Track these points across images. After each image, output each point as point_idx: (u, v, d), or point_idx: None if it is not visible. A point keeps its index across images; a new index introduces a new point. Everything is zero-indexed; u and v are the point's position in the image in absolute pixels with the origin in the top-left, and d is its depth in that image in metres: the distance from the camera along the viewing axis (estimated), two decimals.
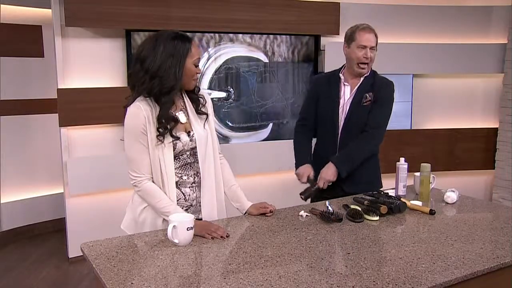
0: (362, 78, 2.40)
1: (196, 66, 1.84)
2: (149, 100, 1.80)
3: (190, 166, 1.91)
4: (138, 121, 1.77)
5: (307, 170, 2.38)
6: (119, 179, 3.50)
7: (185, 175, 1.89)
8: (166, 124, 1.79)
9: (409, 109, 4.39)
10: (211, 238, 1.73)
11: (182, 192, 1.90)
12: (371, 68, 2.43)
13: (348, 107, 2.40)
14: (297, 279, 1.42)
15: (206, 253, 1.64)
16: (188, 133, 1.88)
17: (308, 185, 2.36)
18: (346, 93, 2.43)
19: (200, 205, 1.94)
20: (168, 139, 1.81)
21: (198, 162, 1.90)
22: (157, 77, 1.75)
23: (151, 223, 1.88)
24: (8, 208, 4.06)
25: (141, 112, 1.77)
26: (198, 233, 1.74)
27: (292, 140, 2.61)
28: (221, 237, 1.74)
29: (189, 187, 1.91)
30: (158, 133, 1.78)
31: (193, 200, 1.93)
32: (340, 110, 2.42)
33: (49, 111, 4.00)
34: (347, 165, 2.33)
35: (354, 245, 1.70)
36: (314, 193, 2.33)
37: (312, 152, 2.57)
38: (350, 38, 2.37)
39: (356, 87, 2.40)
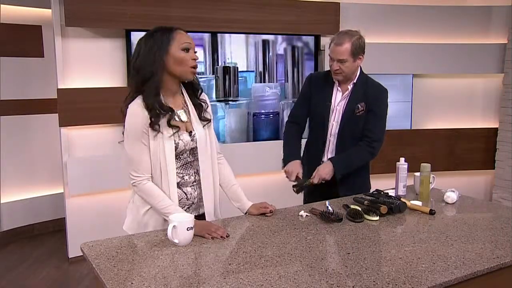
0: (351, 85, 2.40)
1: (187, 51, 1.78)
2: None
3: (191, 165, 1.91)
4: (138, 119, 1.76)
5: (296, 168, 2.36)
6: (119, 179, 3.50)
7: (186, 175, 1.89)
8: (156, 112, 1.76)
9: (409, 109, 4.39)
10: (211, 238, 1.73)
11: (184, 191, 1.89)
12: (361, 73, 2.42)
13: (340, 117, 2.40)
14: (297, 279, 1.42)
15: (206, 253, 1.64)
16: (190, 132, 1.88)
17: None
18: (337, 98, 2.43)
19: (201, 201, 1.94)
20: (170, 141, 1.80)
21: (197, 160, 1.91)
22: (140, 69, 1.76)
23: (155, 225, 1.87)
24: (8, 208, 4.06)
25: (142, 111, 1.76)
26: (198, 233, 1.74)
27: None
28: (221, 237, 1.74)
29: (190, 186, 1.91)
30: (150, 121, 1.76)
31: (194, 198, 1.93)
32: (331, 113, 2.42)
33: (49, 111, 4.00)
34: (344, 168, 2.34)
35: (354, 245, 1.70)
36: (307, 188, 2.33)
37: (303, 150, 2.57)
38: (329, 45, 2.36)
39: (347, 94, 2.40)
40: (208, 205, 1.95)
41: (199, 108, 1.93)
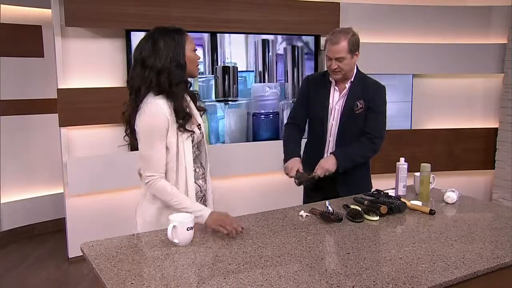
0: (348, 84, 2.40)
1: (195, 52, 1.89)
2: (163, 98, 1.81)
3: (198, 158, 1.97)
4: (161, 120, 1.79)
5: (296, 164, 2.35)
6: (119, 179, 3.50)
7: (197, 168, 1.95)
8: (183, 115, 1.82)
9: (409, 109, 4.39)
10: (226, 233, 1.72)
11: (198, 184, 1.95)
12: (358, 71, 2.42)
13: (339, 115, 2.41)
14: (297, 279, 1.42)
15: (206, 253, 1.64)
16: (198, 126, 1.94)
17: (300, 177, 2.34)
18: (335, 97, 2.43)
19: (207, 194, 2.03)
20: (187, 135, 1.85)
21: (201, 153, 1.98)
22: (165, 70, 1.78)
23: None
24: (8, 208, 4.05)
25: (164, 111, 1.79)
26: (212, 225, 1.75)
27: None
28: (236, 232, 1.73)
29: (201, 179, 1.98)
30: (178, 125, 1.81)
31: (205, 190, 2.00)
32: (329, 113, 2.43)
33: (49, 111, 4.00)
34: (346, 162, 2.34)
35: (354, 245, 1.70)
36: (309, 181, 2.31)
37: (303, 151, 2.57)
38: (325, 45, 2.37)
39: (345, 93, 2.40)
40: (212, 197, 2.06)
41: (194, 98, 1.99)
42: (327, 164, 2.30)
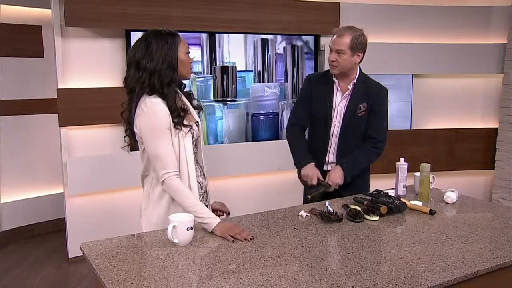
0: (351, 85, 2.40)
1: (188, 54, 1.92)
2: (158, 97, 1.84)
3: (195, 157, 1.98)
4: (162, 118, 1.81)
5: (314, 171, 2.35)
6: (119, 179, 3.51)
7: (195, 165, 1.96)
8: (179, 112, 1.85)
9: (409, 109, 4.39)
10: (232, 241, 1.72)
11: (198, 182, 1.96)
12: (361, 73, 2.43)
13: (342, 117, 2.40)
14: (297, 279, 1.42)
15: (206, 253, 1.64)
16: (196, 123, 1.96)
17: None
18: (338, 98, 2.43)
19: (208, 190, 2.05)
20: (189, 135, 1.88)
21: (198, 151, 2.00)
22: (156, 72, 1.81)
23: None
24: (8, 208, 4.06)
25: (164, 109, 1.81)
26: (221, 235, 1.75)
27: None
28: (245, 239, 1.73)
29: (200, 176, 2.00)
30: (174, 123, 1.83)
31: (205, 187, 2.02)
32: (332, 113, 2.42)
33: (49, 111, 4.00)
34: (353, 171, 2.36)
35: (354, 245, 1.70)
36: (322, 194, 2.32)
37: None
38: (331, 38, 2.40)
39: (348, 94, 2.40)
40: (211, 194, 2.08)
41: (189, 98, 2.02)
42: (336, 177, 2.32)
